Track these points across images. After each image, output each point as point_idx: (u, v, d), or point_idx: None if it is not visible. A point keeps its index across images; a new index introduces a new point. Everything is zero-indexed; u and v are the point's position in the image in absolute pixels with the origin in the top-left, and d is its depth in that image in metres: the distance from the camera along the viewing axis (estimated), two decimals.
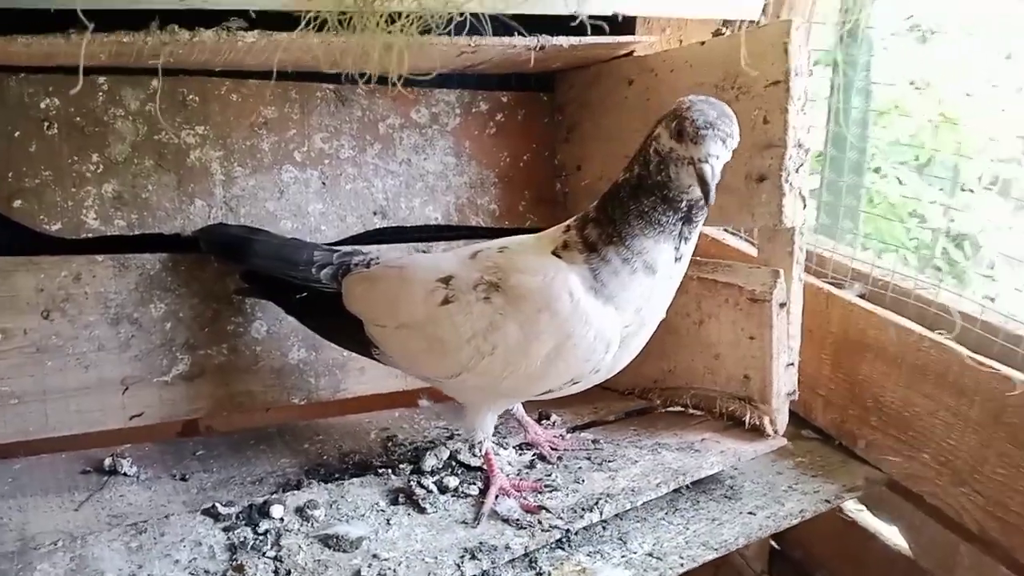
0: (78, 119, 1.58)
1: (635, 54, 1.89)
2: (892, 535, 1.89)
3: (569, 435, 1.75)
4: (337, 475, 1.63)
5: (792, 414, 1.85)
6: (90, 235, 1.62)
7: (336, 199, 1.84)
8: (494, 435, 1.61)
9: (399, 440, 1.77)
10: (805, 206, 1.59)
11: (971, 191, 2.32)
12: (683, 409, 1.82)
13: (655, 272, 1.34)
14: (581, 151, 2.04)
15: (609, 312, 1.34)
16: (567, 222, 1.44)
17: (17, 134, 1.54)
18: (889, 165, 2.33)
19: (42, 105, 1.55)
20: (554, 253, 1.38)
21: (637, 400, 1.91)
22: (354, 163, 1.86)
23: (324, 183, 1.83)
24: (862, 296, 1.77)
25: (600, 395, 1.89)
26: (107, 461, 1.60)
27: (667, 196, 1.31)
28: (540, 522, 1.43)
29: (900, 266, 1.85)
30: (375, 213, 1.89)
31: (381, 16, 1.27)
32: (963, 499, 1.52)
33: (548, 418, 1.84)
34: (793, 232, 1.61)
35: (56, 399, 1.61)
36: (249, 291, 1.70)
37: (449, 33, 1.36)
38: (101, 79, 1.59)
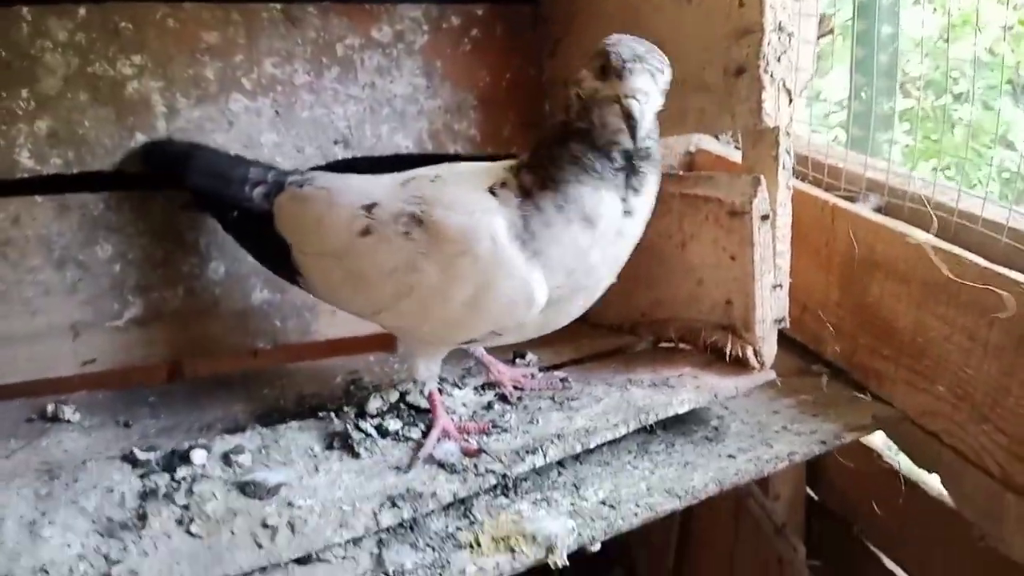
0: (4, 53, 1.49)
1: None
2: (936, 483, 1.67)
3: (540, 374, 1.59)
4: (289, 419, 1.52)
5: (801, 347, 1.64)
6: (26, 175, 1.54)
7: (292, 128, 1.71)
8: (453, 373, 1.47)
9: (364, 383, 1.64)
10: (791, 101, 1.36)
11: None
12: (672, 344, 1.63)
13: (595, 226, 1.17)
14: (567, 68, 1.84)
15: (534, 268, 1.18)
16: (518, 158, 1.29)
17: None
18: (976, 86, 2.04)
19: None
20: (491, 190, 1.23)
21: (626, 336, 1.71)
22: (310, 89, 1.72)
23: (278, 112, 1.70)
24: (878, 209, 1.52)
25: (584, 332, 1.71)
26: (49, 408, 1.54)
27: (595, 144, 1.16)
28: (476, 466, 1.27)
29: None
30: (336, 142, 1.75)
31: None
32: (983, 438, 1.28)
33: (523, 357, 1.67)
34: (777, 132, 1.37)
35: (3, 346, 1.55)
36: (193, 204, 1.59)
37: None
38: (24, 9, 1.50)
